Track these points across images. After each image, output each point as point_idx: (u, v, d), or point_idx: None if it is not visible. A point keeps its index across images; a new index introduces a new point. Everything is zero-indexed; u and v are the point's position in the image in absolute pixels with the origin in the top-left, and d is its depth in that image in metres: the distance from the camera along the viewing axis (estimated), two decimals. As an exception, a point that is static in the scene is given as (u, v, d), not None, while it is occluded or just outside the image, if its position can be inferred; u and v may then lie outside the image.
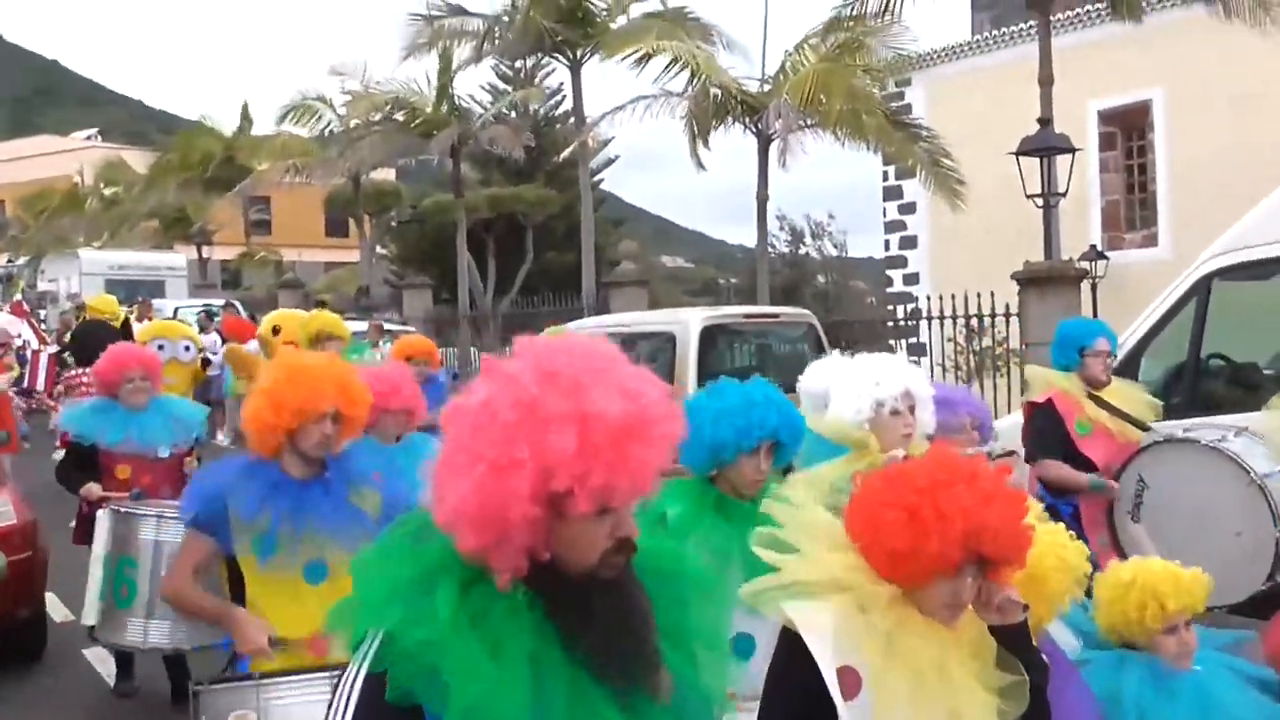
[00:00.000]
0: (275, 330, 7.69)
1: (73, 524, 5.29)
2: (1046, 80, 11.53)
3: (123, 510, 4.45)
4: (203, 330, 14.90)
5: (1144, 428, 4.83)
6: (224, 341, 14.02)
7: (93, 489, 4.86)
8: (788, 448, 2.81)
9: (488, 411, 1.36)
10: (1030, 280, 10.32)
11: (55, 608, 6.61)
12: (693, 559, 1.60)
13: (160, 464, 4.99)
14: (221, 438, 13.12)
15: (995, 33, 19.10)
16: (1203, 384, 5.97)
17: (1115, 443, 4.79)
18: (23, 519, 5.84)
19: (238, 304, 19.92)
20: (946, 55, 19.65)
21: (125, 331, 11.69)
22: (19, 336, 9.59)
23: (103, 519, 4.44)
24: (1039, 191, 11.13)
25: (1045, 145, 11.09)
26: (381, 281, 27.44)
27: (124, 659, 5.31)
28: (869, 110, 13.83)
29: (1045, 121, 11.27)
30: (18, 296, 16.01)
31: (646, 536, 1.46)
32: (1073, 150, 11.20)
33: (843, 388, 3.25)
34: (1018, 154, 11.22)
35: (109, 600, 4.33)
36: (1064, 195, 11.32)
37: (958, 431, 3.75)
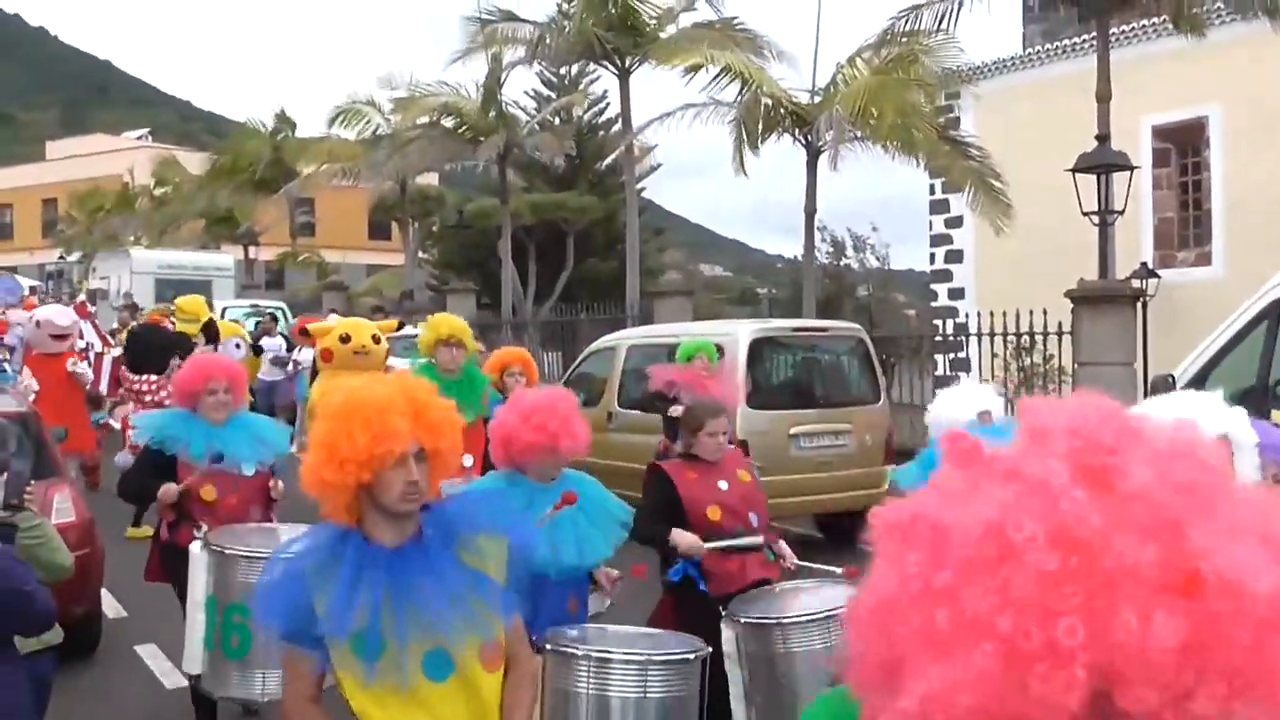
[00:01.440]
0: (345, 339, 6.98)
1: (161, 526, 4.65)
2: (1104, 96, 11.34)
3: (224, 551, 3.99)
4: (266, 334, 14.58)
5: None
6: (290, 346, 13.90)
7: (170, 488, 4.46)
8: None
9: (997, 543, 0.76)
10: (1084, 299, 10.17)
11: (108, 604, 6.69)
12: None
13: (246, 482, 4.61)
14: (293, 448, 13.06)
15: (1047, 46, 18.86)
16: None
17: None
18: (81, 516, 5.92)
19: (284, 307, 20.07)
20: (997, 68, 19.44)
21: (209, 333, 11.36)
22: (73, 324, 9.50)
23: (200, 560, 4.02)
24: (1094, 209, 10.98)
25: (1103, 162, 10.94)
26: (423, 286, 27.62)
27: (207, 713, 4.63)
28: (919, 125, 13.71)
29: (1103, 138, 11.10)
30: (81, 298, 16.17)
31: None
32: (1131, 168, 11.04)
33: None
34: (1074, 171, 11.07)
35: (218, 650, 3.94)
36: (1121, 213, 11.15)
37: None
